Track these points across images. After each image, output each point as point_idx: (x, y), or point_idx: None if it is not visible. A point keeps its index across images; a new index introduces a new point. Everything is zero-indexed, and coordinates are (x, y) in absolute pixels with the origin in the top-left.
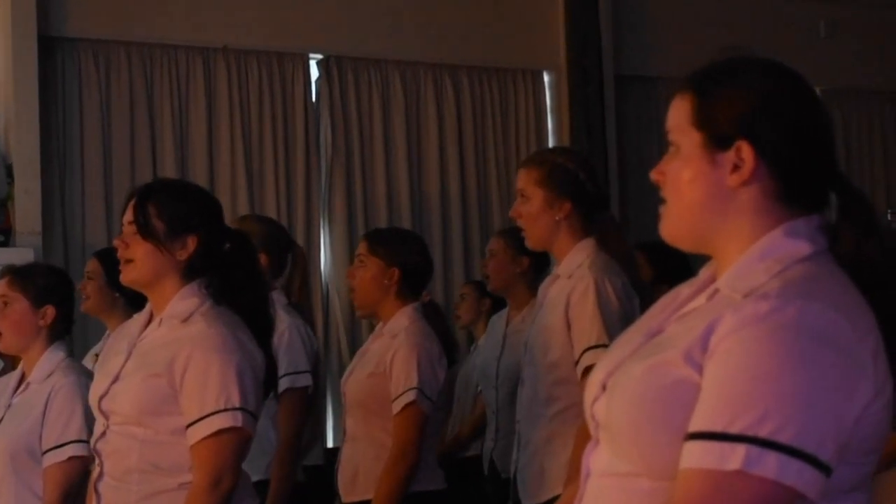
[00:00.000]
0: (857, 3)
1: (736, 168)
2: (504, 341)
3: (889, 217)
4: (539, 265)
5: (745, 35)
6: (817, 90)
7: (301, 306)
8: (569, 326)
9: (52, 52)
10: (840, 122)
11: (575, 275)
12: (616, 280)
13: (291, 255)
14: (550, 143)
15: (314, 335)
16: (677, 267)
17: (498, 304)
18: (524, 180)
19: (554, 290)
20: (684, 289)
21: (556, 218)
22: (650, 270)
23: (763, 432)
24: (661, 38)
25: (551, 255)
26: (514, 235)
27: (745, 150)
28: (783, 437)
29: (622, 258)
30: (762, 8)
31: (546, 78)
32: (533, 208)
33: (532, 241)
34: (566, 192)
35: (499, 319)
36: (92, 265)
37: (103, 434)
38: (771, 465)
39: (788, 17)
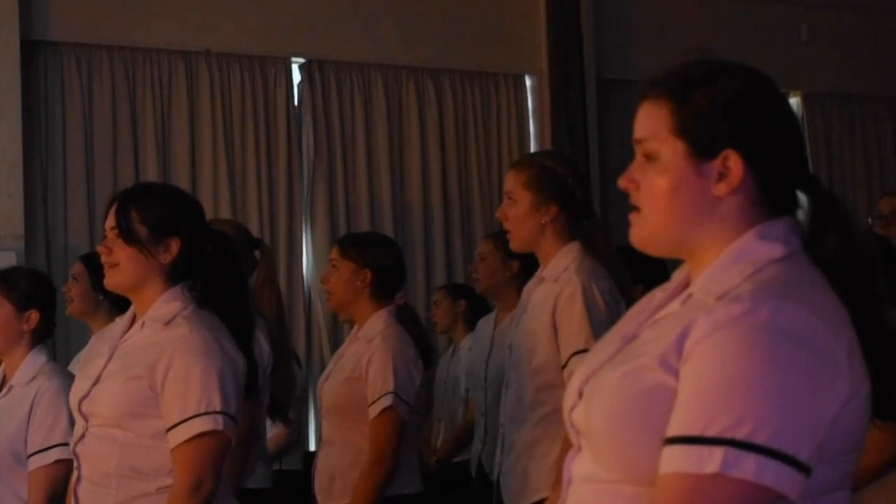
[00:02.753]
0: (838, 7)
1: (721, 177)
2: (492, 343)
3: (870, 222)
4: (528, 269)
5: (727, 39)
6: (799, 94)
7: (261, 309)
8: (555, 330)
9: (35, 55)
10: (822, 125)
11: (561, 278)
12: (603, 284)
13: (260, 255)
14: (532, 147)
15: (266, 340)
16: (653, 269)
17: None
18: (512, 182)
19: (539, 293)
20: (658, 292)
21: (542, 221)
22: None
23: (740, 434)
24: (642, 42)
25: (538, 257)
26: (504, 239)
27: (733, 159)
28: (760, 439)
29: (608, 262)
30: (744, 12)
31: (528, 82)
32: (520, 210)
33: (516, 243)
34: (553, 196)
35: (486, 322)
36: (77, 268)
37: (82, 437)
38: (749, 467)
39: (770, 21)
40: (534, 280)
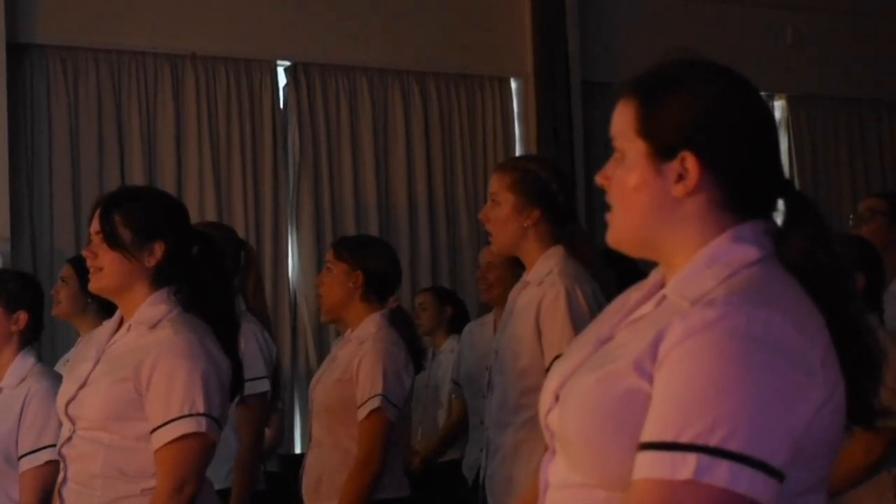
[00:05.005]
0: (824, 10)
1: (681, 178)
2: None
3: (851, 222)
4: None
5: (713, 42)
6: (784, 97)
7: (257, 310)
8: (539, 334)
9: (21, 58)
10: (806, 128)
11: (545, 282)
12: (586, 287)
13: (245, 256)
14: (518, 150)
15: (271, 339)
16: (632, 271)
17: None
18: (496, 185)
19: (524, 298)
20: (634, 292)
21: (525, 224)
22: None
23: (713, 441)
24: (627, 45)
25: (522, 261)
26: None
27: (690, 161)
28: (733, 445)
29: (592, 266)
30: (729, 15)
31: (513, 84)
32: (502, 213)
33: (498, 246)
34: (536, 200)
35: (479, 327)
36: (66, 271)
37: (69, 439)
38: (722, 474)
39: (755, 24)
40: (518, 285)
